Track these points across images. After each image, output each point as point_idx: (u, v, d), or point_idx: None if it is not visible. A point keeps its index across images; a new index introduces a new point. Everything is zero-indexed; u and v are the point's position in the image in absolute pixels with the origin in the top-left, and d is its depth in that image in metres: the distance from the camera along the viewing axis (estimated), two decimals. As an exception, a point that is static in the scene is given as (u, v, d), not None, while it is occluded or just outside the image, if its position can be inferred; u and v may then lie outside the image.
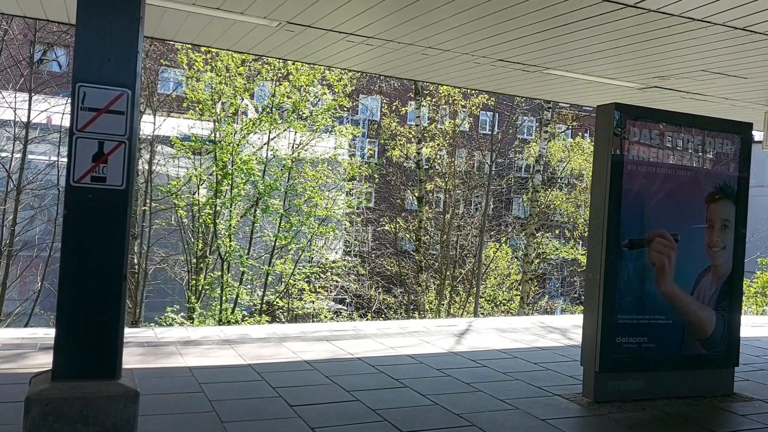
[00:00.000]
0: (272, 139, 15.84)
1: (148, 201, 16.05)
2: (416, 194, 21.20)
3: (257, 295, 16.29)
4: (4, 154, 15.16)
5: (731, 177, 5.90)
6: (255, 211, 15.53)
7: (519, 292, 20.85)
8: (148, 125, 15.99)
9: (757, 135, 8.97)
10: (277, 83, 15.95)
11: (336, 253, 20.51)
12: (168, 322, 13.87)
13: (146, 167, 16.23)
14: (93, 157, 3.85)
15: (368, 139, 30.81)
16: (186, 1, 5.68)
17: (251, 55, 13.80)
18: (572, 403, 5.43)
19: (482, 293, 21.48)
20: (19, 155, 14.55)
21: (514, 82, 8.24)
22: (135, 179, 4.24)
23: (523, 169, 30.62)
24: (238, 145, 14.98)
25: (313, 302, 17.10)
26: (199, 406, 4.94)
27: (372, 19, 5.90)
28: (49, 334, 6.94)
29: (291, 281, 16.25)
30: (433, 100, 22.79)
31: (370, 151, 27.59)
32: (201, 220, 15.54)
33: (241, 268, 15.38)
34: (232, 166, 14.78)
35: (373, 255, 24.72)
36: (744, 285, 6.63)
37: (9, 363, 5.94)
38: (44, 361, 5.64)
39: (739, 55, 6.35)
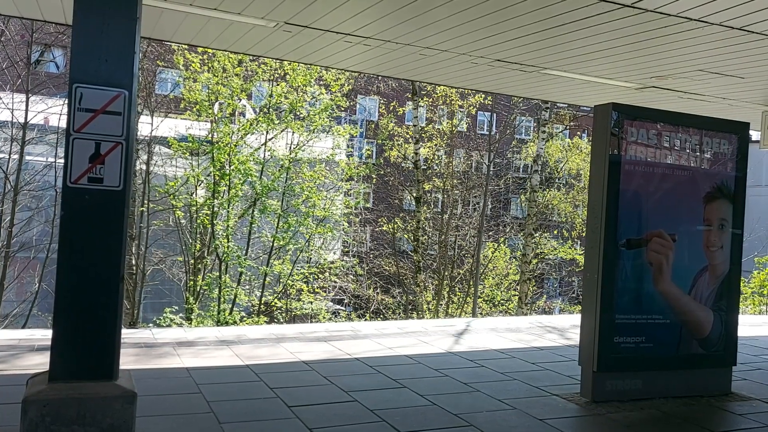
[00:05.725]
0: (270, 139, 15.83)
1: (145, 202, 16.04)
2: (414, 194, 21.21)
3: (255, 295, 16.28)
4: (1, 156, 15.15)
5: (729, 176, 5.91)
6: (253, 211, 15.53)
7: (517, 292, 20.87)
8: (145, 126, 15.99)
9: (755, 134, 8.98)
10: (274, 83, 15.95)
11: (334, 253, 20.52)
12: (166, 323, 13.86)
13: (144, 168, 16.22)
14: (90, 158, 3.85)
15: (366, 140, 30.81)
16: (183, 2, 5.68)
17: (248, 56, 13.80)
18: (570, 403, 5.43)
19: (480, 293, 21.50)
20: (16, 156, 14.53)
21: (511, 83, 8.25)
22: (132, 180, 4.23)
23: (521, 169, 30.66)
24: (235, 145, 14.98)
25: (311, 303, 17.09)
26: (196, 406, 4.93)
27: (370, 19, 5.90)
28: (46, 335, 6.93)
29: (289, 282, 16.24)
30: (431, 100, 22.81)
31: (368, 152, 27.61)
32: (199, 221, 15.54)
33: (239, 269, 15.37)
34: (230, 166, 14.77)
35: (371, 255, 24.74)
36: (741, 284, 6.63)
37: (6, 364, 5.93)
38: (41, 362, 5.63)
39: (737, 55, 6.36)
